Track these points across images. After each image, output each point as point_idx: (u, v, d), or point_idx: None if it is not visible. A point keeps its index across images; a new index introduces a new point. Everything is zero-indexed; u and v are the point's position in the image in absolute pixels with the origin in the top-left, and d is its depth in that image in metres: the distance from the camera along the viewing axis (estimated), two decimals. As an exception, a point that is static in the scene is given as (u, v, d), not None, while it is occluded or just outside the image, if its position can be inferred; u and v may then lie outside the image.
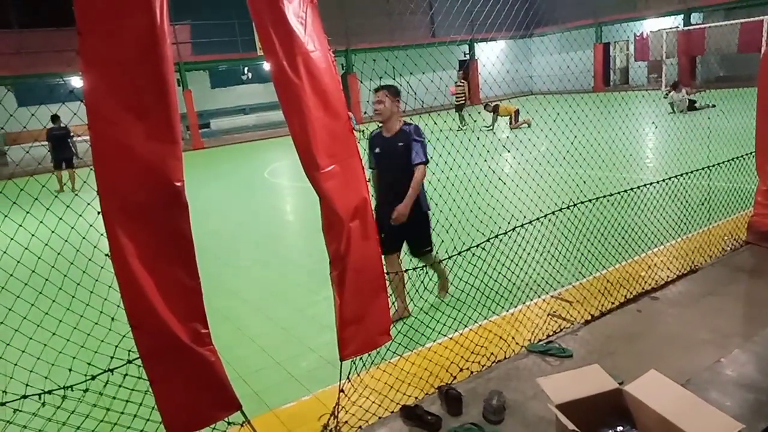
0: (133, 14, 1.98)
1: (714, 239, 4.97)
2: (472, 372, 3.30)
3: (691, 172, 5.09)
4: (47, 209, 2.41)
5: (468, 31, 23.52)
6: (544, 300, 4.22)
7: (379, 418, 2.97)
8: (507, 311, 3.94)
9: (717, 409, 2.21)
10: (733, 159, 5.39)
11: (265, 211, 9.70)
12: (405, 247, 4.26)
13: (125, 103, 2.02)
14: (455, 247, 3.54)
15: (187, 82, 20.60)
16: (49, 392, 2.25)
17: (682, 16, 22.55)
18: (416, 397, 3.11)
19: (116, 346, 2.36)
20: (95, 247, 2.15)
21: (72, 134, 12.42)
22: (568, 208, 4.09)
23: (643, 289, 4.19)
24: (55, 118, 11.70)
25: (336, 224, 2.61)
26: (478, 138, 4.82)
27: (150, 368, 2.18)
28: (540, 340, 3.59)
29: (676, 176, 4.95)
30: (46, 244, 2.51)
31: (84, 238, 2.44)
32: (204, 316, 2.28)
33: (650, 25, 23.77)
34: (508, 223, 3.79)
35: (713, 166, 5.29)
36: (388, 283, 2.94)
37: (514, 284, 3.87)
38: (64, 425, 2.35)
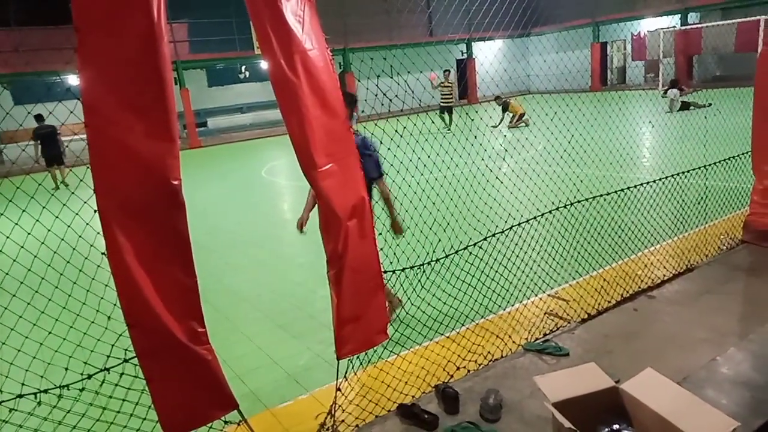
0: (132, 12, 1.98)
1: (710, 238, 4.98)
2: (468, 371, 3.30)
3: (688, 171, 5.10)
4: (43, 207, 2.40)
5: (465, 30, 23.53)
6: (540, 299, 4.23)
7: (376, 416, 2.98)
8: (504, 310, 3.95)
9: (713, 407, 2.22)
10: (729, 158, 5.41)
11: (262, 209, 9.70)
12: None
13: (122, 101, 2.01)
14: (452, 246, 3.55)
15: (185, 81, 20.55)
16: (45, 391, 2.25)
17: (680, 15, 22.57)
18: (413, 396, 3.12)
19: (113, 345, 2.35)
20: (92, 245, 2.15)
21: (59, 132, 12.43)
22: (564, 206, 4.10)
23: (639, 287, 4.20)
24: (39, 117, 11.78)
25: (333, 223, 2.61)
26: (475, 137, 4.82)
27: (146, 367, 2.18)
28: (537, 339, 3.60)
29: (672, 175, 4.97)
30: (43, 243, 2.50)
31: (80, 236, 2.43)
32: (201, 315, 2.28)
33: (647, 25, 23.80)
34: (505, 221, 3.79)
35: (710, 165, 5.31)
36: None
37: (510, 283, 3.88)
38: (60, 424, 2.35)
